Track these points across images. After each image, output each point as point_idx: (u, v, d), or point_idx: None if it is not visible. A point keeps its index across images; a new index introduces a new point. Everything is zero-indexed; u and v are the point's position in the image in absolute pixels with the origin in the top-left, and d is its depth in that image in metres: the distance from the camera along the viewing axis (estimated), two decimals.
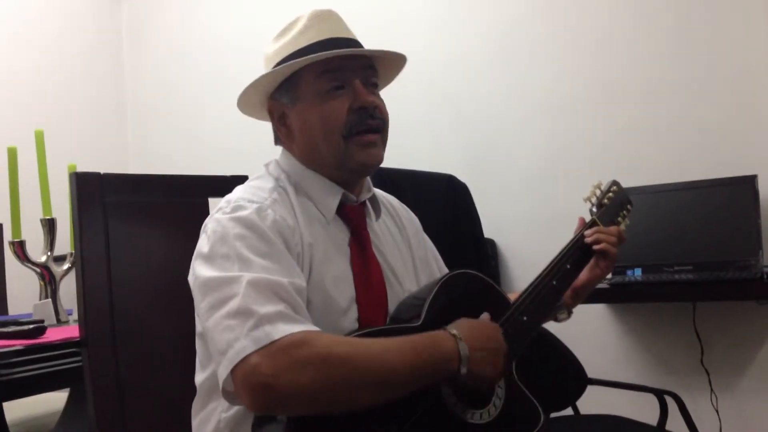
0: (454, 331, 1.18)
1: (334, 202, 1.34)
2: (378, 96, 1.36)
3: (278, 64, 1.33)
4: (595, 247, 1.48)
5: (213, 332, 1.13)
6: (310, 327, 1.12)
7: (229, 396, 1.17)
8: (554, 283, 1.43)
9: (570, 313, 1.54)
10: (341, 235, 1.35)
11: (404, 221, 1.53)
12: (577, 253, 1.49)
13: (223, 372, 1.10)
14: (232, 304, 1.12)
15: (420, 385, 1.15)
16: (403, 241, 1.49)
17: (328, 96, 1.30)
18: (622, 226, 1.61)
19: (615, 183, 1.66)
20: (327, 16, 1.36)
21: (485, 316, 1.30)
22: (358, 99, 1.30)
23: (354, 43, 1.35)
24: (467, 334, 1.19)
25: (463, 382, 1.19)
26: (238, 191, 1.33)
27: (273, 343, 1.07)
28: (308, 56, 1.29)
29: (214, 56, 3.75)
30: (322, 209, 1.34)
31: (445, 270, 1.57)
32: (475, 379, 1.19)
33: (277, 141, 1.42)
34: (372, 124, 1.31)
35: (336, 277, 1.29)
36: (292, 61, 1.30)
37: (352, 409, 1.11)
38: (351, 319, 1.28)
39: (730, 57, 2.68)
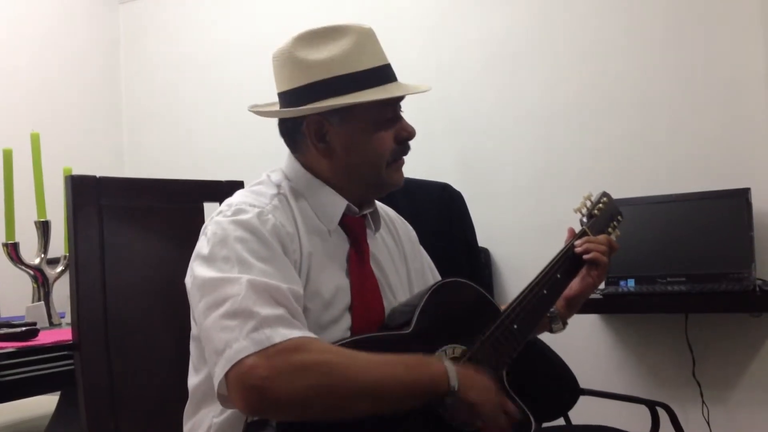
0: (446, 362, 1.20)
1: (337, 213, 1.34)
2: None
3: (329, 78, 1.30)
4: (586, 256, 1.49)
5: (210, 331, 1.13)
6: (309, 333, 1.13)
7: (224, 398, 1.16)
8: (545, 292, 1.44)
9: (565, 323, 1.54)
10: (340, 245, 1.35)
11: (401, 234, 1.53)
12: (567, 262, 1.49)
13: (219, 372, 1.10)
14: (232, 305, 1.12)
15: (412, 403, 1.16)
16: (399, 254, 1.50)
17: (382, 125, 1.33)
18: (613, 237, 1.62)
19: (605, 194, 1.67)
20: (374, 37, 1.36)
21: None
22: (405, 130, 1.36)
23: (393, 69, 1.38)
24: (462, 374, 1.20)
25: (452, 410, 1.19)
26: (240, 195, 1.33)
27: (272, 346, 1.07)
28: (378, 94, 1.29)
29: (210, 61, 3.76)
30: (323, 220, 1.34)
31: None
32: (464, 403, 1.19)
33: (295, 150, 1.39)
34: (407, 152, 1.38)
35: (333, 286, 1.29)
36: (381, 97, 1.29)
37: (344, 418, 1.11)
38: (344, 328, 1.28)
39: (723, 69, 2.69)
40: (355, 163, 1.34)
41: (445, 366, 1.18)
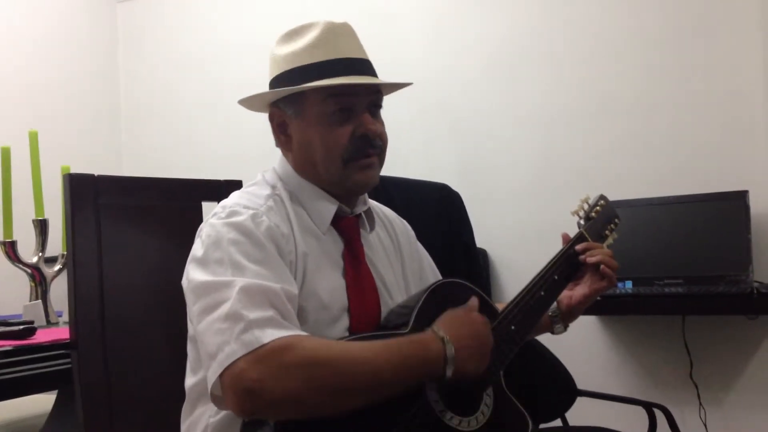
0: (441, 333, 1.18)
1: (328, 215, 1.34)
2: (380, 120, 1.37)
3: (285, 71, 1.32)
4: (603, 269, 1.47)
5: (204, 335, 1.14)
6: (298, 332, 1.13)
7: (218, 401, 1.17)
8: (542, 293, 1.43)
9: (566, 326, 1.54)
10: (335, 246, 1.35)
11: (398, 233, 1.53)
12: (564, 264, 1.49)
13: (212, 376, 1.10)
14: (224, 309, 1.12)
15: (405, 387, 1.16)
16: (396, 253, 1.49)
17: (332, 119, 1.30)
18: (610, 240, 1.62)
19: (602, 197, 1.67)
20: (342, 31, 1.34)
21: (473, 301, 1.30)
22: (361, 126, 1.31)
23: (365, 65, 1.34)
24: (453, 331, 1.19)
25: (450, 382, 1.19)
26: (234, 197, 1.33)
27: (261, 346, 1.07)
28: (317, 82, 1.28)
29: (209, 60, 3.75)
30: (316, 221, 1.34)
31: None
32: (462, 376, 1.19)
33: (276, 143, 1.42)
34: (372, 152, 1.33)
35: (329, 287, 1.29)
36: (301, 86, 1.29)
37: (339, 412, 1.11)
38: (342, 329, 1.28)
39: (722, 72, 2.70)
40: (313, 159, 1.33)
41: (444, 348, 1.17)
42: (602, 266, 1.47)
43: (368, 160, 1.32)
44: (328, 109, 1.30)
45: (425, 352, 1.17)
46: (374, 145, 1.32)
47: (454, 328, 1.20)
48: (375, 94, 1.35)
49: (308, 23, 1.35)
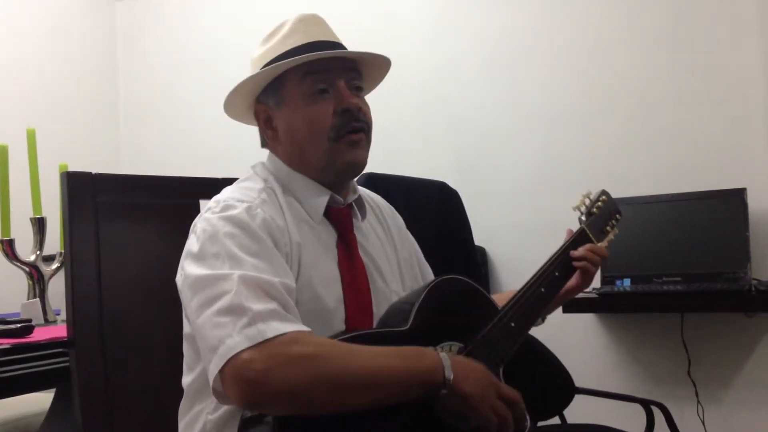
0: (441, 352, 1.19)
1: (321, 205, 1.35)
2: (362, 99, 1.38)
3: (263, 67, 1.35)
4: (575, 263, 1.49)
5: (203, 329, 1.13)
6: (302, 327, 1.13)
7: (219, 395, 1.16)
8: (542, 290, 1.43)
9: (544, 318, 1.54)
10: (329, 236, 1.36)
11: (388, 220, 1.54)
12: (565, 261, 1.49)
13: (214, 369, 1.10)
14: (224, 301, 1.12)
15: (407, 397, 1.14)
16: (388, 240, 1.50)
17: (313, 99, 1.32)
18: (611, 236, 1.62)
19: (604, 192, 1.67)
20: (312, 21, 1.37)
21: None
22: (342, 101, 1.32)
23: (338, 46, 1.36)
24: (454, 357, 1.19)
25: (448, 402, 1.17)
26: (227, 191, 1.33)
27: (266, 341, 1.07)
28: (289, 59, 1.30)
29: (207, 58, 3.75)
30: (309, 211, 1.35)
31: (427, 269, 1.59)
32: (461, 398, 1.17)
33: (264, 144, 1.43)
34: (356, 126, 1.33)
35: (324, 277, 1.30)
36: (273, 65, 1.31)
37: (340, 411, 1.11)
38: (338, 319, 1.29)
39: (721, 71, 2.70)
40: (300, 144, 1.34)
41: (441, 357, 1.17)
42: (583, 262, 1.49)
43: (355, 136, 1.33)
44: (306, 90, 1.31)
45: (424, 358, 1.16)
46: (358, 119, 1.33)
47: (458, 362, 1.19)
48: (351, 72, 1.35)
49: (280, 23, 1.38)
